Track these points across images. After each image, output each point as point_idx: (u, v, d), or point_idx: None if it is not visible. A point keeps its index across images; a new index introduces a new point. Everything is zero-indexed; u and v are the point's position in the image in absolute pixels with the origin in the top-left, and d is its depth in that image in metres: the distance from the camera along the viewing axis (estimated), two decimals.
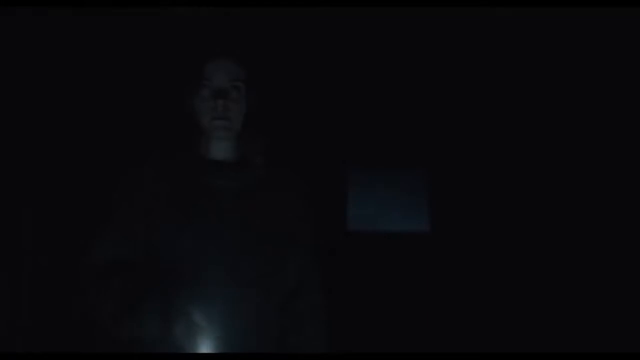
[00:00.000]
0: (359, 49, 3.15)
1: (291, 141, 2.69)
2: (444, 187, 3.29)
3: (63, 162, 2.79)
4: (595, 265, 3.06)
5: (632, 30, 2.88)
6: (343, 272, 3.06)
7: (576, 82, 3.11)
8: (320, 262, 1.81)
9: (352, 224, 3.32)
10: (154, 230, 1.63)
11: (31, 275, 2.69)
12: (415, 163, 3.35)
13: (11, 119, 2.67)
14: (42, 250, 2.71)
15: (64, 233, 2.68)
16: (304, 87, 3.14)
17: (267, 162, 1.73)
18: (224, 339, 1.59)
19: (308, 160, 2.69)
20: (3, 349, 2.54)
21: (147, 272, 1.62)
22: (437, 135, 3.29)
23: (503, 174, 3.21)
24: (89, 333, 1.81)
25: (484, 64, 3.17)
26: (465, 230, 3.20)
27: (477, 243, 3.18)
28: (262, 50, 1.74)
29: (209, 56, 1.65)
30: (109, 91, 2.87)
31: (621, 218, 3.06)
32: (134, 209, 1.65)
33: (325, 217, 2.39)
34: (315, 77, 3.16)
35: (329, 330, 1.77)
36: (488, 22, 2.99)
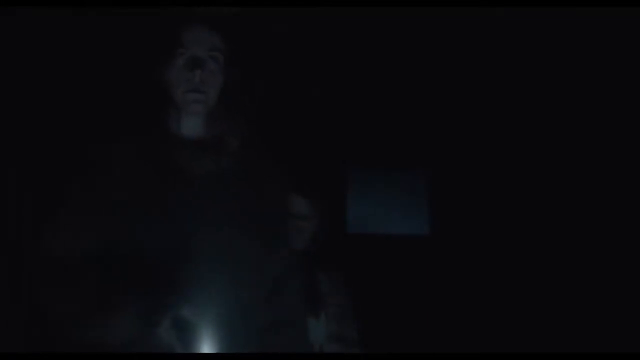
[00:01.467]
0: (357, 49, 3.14)
1: (290, 141, 2.67)
2: (443, 189, 3.29)
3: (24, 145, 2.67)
4: (595, 269, 3.05)
5: (632, 30, 2.88)
6: (342, 274, 3.06)
7: (577, 85, 3.11)
8: (304, 260, 1.75)
9: (351, 226, 3.32)
10: (120, 218, 1.45)
11: None
12: (415, 164, 3.35)
13: (11, 119, 2.68)
14: None
15: (15, 223, 2.49)
16: (303, 87, 3.14)
17: (244, 145, 1.57)
18: (203, 337, 1.41)
19: (307, 161, 2.69)
20: None
21: (112, 266, 1.43)
22: (437, 137, 3.28)
23: (503, 176, 3.21)
24: (41, 335, 1.53)
25: (484, 65, 3.17)
26: (464, 232, 3.20)
27: (476, 245, 3.18)
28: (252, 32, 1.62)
29: (187, 23, 1.49)
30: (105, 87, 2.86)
31: (622, 224, 3.06)
32: (96, 195, 1.47)
33: (325, 218, 2.38)
34: (314, 76, 3.16)
35: (305, 332, 1.67)
36: (488, 22, 2.99)
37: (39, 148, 2.74)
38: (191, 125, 1.54)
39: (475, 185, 3.21)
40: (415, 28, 3.08)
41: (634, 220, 3.05)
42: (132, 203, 1.46)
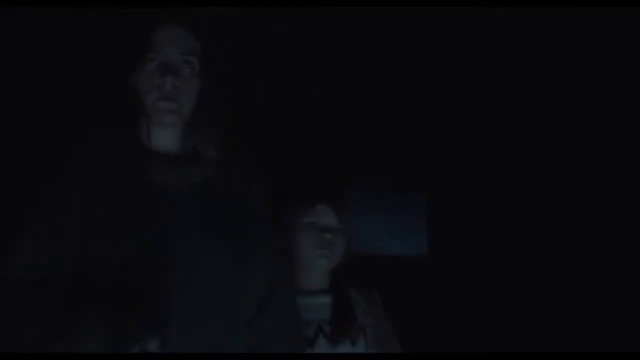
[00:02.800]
0: (357, 50, 3.14)
1: (286, 144, 2.64)
2: (442, 210, 3.27)
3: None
4: (596, 285, 3.04)
5: (632, 30, 2.88)
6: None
7: (578, 91, 3.09)
8: (289, 267, 1.54)
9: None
10: (85, 235, 1.31)
11: None
12: (414, 186, 3.31)
13: (11, 119, 2.68)
14: None
15: None
16: (302, 88, 3.13)
17: (223, 157, 1.44)
18: None
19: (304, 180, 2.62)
20: None
21: (79, 287, 1.28)
22: (436, 159, 3.26)
23: (503, 197, 3.20)
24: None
25: (485, 67, 3.16)
26: (463, 253, 3.18)
27: (475, 267, 3.16)
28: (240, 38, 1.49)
29: (159, 24, 1.36)
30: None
31: (623, 234, 3.05)
32: (61, 210, 1.33)
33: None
34: (314, 76, 3.16)
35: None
36: (488, 22, 2.98)
37: (40, 148, 2.74)
38: (163, 137, 1.40)
39: (474, 207, 3.18)
40: (415, 28, 3.07)
41: (634, 224, 3.05)
42: (100, 219, 1.32)
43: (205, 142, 1.43)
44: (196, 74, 1.37)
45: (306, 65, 3.10)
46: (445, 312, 3.14)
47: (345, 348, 1.93)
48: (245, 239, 1.42)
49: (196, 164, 1.41)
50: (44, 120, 2.76)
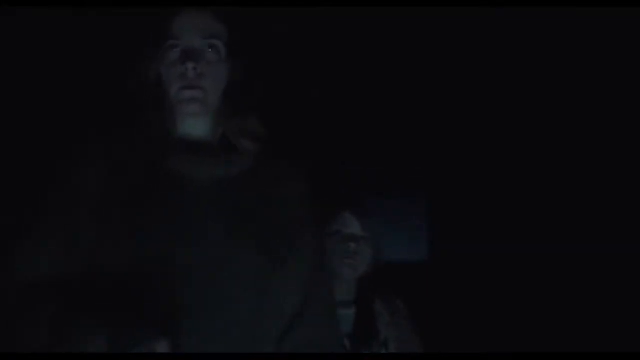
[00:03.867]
0: (357, 50, 3.14)
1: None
2: (443, 216, 3.26)
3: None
4: (596, 285, 3.04)
5: (632, 30, 2.88)
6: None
7: (577, 94, 3.09)
8: (327, 280, 1.38)
9: None
10: (102, 235, 1.20)
11: None
12: (414, 192, 3.30)
13: (11, 119, 2.68)
14: None
15: None
16: (302, 88, 3.13)
17: (258, 150, 1.33)
18: None
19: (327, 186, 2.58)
20: None
21: (90, 288, 1.18)
22: (436, 164, 3.25)
23: (503, 197, 3.19)
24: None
25: (487, 68, 3.15)
26: (464, 259, 3.17)
27: (476, 273, 3.15)
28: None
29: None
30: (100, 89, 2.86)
31: (624, 239, 3.04)
32: (76, 207, 1.23)
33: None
34: (314, 76, 3.15)
35: None
36: (488, 22, 2.98)
37: (39, 147, 2.74)
38: (191, 127, 1.29)
39: (475, 213, 3.17)
40: (416, 28, 3.07)
41: (634, 224, 3.04)
42: (118, 217, 1.22)
43: (238, 132, 1.32)
44: (222, 59, 1.27)
45: (306, 65, 3.10)
46: (445, 313, 3.14)
47: None
48: (278, 242, 1.29)
49: (226, 156, 1.29)
50: (44, 120, 2.76)
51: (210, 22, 1.27)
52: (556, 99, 3.16)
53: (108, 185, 1.24)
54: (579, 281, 3.08)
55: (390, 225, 3.28)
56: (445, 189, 3.25)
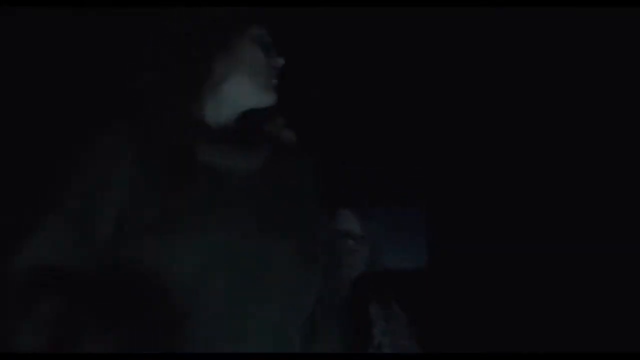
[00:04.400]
0: (358, 50, 3.14)
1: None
2: (442, 223, 3.25)
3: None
4: (596, 285, 3.04)
5: (632, 30, 2.88)
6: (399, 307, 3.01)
7: (577, 98, 3.08)
8: (340, 292, 1.38)
9: None
10: (126, 227, 1.15)
11: None
12: (414, 192, 3.29)
13: (11, 119, 2.68)
14: None
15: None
16: (302, 88, 3.13)
17: (279, 144, 1.36)
18: None
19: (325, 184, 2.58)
20: None
21: (110, 284, 1.14)
22: (435, 164, 3.25)
23: (503, 197, 3.19)
24: None
25: (487, 69, 3.15)
26: (464, 259, 3.16)
27: (475, 280, 3.15)
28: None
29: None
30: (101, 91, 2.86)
31: (624, 239, 3.04)
32: (94, 194, 1.18)
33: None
34: (314, 77, 3.15)
35: None
36: (488, 22, 2.98)
37: (40, 147, 2.74)
38: (216, 117, 1.29)
39: (473, 220, 3.17)
40: (416, 28, 3.07)
41: (634, 224, 3.04)
42: (134, 210, 1.18)
43: (260, 124, 1.35)
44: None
45: (306, 65, 3.09)
46: (445, 314, 3.14)
47: None
48: (303, 237, 1.25)
49: (250, 149, 1.28)
50: (44, 120, 2.76)
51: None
52: (556, 99, 3.16)
53: (132, 176, 1.20)
54: (579, 281, 3.08)
55: (390, 225, 3.28)
56: (445, 189, 3.25)
